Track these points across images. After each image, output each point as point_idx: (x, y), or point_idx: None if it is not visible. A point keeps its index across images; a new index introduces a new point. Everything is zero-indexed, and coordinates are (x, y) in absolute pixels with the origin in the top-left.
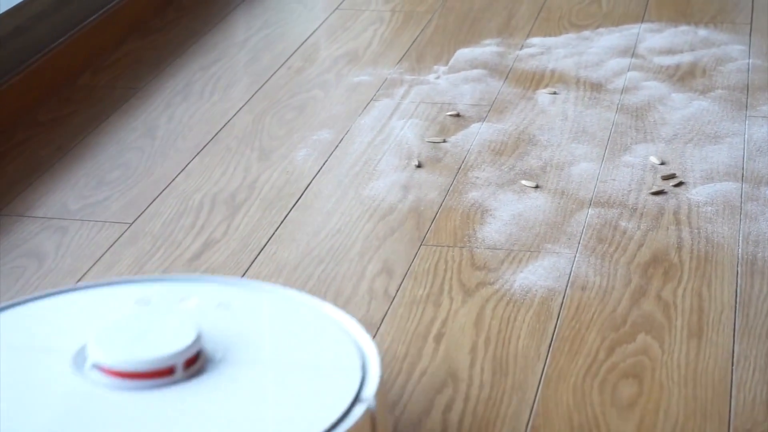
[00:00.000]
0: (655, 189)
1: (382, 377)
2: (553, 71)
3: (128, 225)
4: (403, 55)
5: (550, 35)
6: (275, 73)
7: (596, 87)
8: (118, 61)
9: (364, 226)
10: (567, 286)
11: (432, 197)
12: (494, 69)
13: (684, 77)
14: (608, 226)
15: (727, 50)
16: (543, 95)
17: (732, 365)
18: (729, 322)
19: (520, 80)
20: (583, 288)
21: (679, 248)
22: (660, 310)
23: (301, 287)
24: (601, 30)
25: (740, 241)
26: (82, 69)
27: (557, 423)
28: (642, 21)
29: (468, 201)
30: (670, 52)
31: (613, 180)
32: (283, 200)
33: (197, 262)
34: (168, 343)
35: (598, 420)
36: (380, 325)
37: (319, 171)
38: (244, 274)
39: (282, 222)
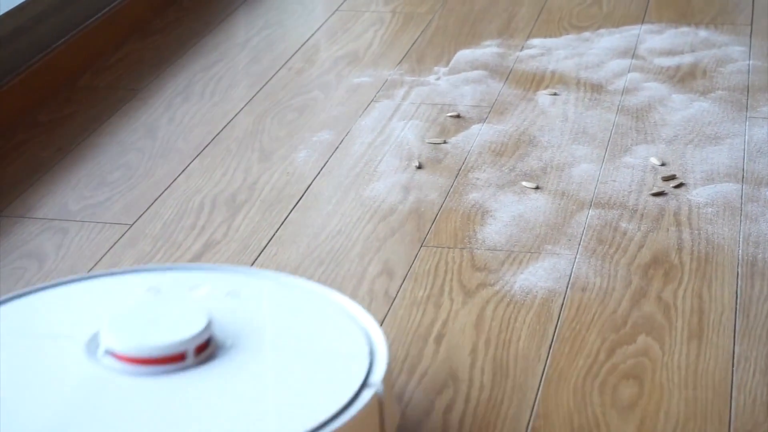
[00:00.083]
0: (655, 190)
1: (389, 363)
2: (553, 72)
3: (129, 226)
4: (404, 57)
5: (550, 36)
6: (276, 74)
7: (597, 88)
8: (119, 62)
9: (365, 227)
10: (567, 288)
11: (432, 198)
12: (495, 70)
13: (684, 78)
14: (609, 227)
15: (728, 51)
16: (543, 96)
17: (732, 366)
18: (729, 324)
19: (520, 81)
20: (584, 289)
21: (680, 249)
22: (660, 312)
23: None
24: (601, 31)
25: (740, 242)
26: (83, 70)
27: (558, 424)
28: (642, 22)
29: (468, 202)
30: (671, 53)
31: (614, 181)
32: (283, 201)
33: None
34: (179, 330)
35: (599, 421)
36: (381, 326)
37: (319, 172)
38: None
39: (282, 223)
